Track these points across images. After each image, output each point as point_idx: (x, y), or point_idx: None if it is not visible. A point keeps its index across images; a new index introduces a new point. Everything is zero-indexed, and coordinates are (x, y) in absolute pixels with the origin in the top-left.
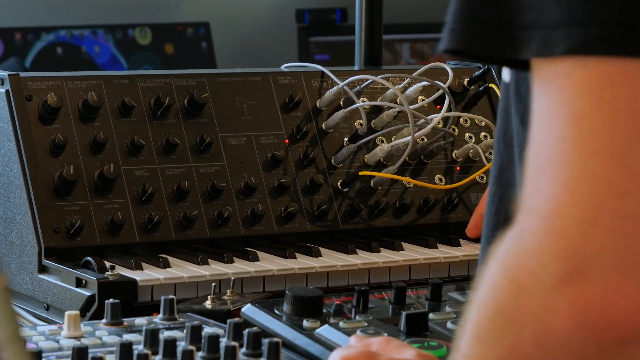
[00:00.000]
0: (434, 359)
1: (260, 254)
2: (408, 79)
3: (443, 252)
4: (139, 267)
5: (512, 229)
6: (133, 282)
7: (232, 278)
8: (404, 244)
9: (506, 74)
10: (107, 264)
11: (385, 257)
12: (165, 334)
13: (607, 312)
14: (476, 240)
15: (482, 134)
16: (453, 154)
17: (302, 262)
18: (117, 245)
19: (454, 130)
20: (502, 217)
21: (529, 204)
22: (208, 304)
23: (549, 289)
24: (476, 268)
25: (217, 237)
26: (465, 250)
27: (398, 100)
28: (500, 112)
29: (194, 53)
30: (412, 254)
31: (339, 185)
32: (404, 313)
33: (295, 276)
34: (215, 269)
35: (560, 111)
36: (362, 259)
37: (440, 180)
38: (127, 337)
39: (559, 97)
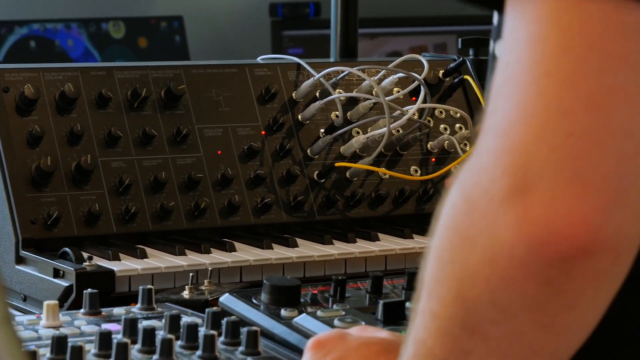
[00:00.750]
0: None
1: (237, 244)
2: (384, 71)
3: (419, 243)
4: (117, 258)
5: (473, 151)
6: (111, 273)
7: (210, 268)
8: (380, 235)
9: (492, 45)
10: (85, 255)
11: (361, 247)
12: (143, 324)
13: (551, 226)
14: None
15: (457, 125)
16: (428, 146)
17: (278, 253)
18: (94, 236)
19: (429, 121)
20: None
21: (487, 123)
22: (186, 294)
23: (498, 204)
24: None
25: (194, 228)
26: None
27: (374, 92)
28: (488, 84)
29: (167, 47)
30: (388, 244)
31: (315, 176)
32: (381, 302)
33: (272, 266)
34: (192, 259)
35: (520, 34)
36: (338, 249)
37: (416, 171)
38: (106, 326)
39: (520, 21)
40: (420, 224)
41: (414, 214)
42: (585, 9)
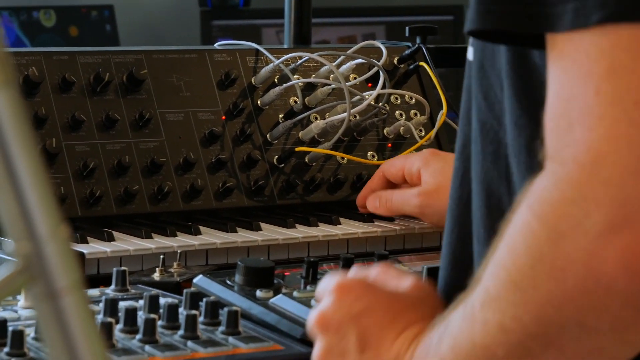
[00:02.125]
0: (429, 288)
1: (201, 228)
2: (342, 57)
3: (380, 227)
4: (85, 241)
5: (542, 178)
6: (80, 255)
7: (178, 251)
8: (341, 219)
9: (470, 53)
10: None
11: (324, 231)
12: (122, 304)
13: None
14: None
15: (412, 111)
16: (384, 131)
17: (243, 236)
18: None
19: (385, 107)
20: (465, 190)
21: (563, 155)
22: (156, 276)
23: (594, 237)
24: (412, 242)
25: (157, 211)
26: (401, 225)
27: (331, 78)
28: (465, 90)
29: (98, 35)
30: (349, 228)
31: (275, 161)
32: None
33: (237, 249)
34: (159, 242)
35: (595, 66)
36: (302, 232)
37: (373, 156)
38: None
39: (592, 54)
40: None
41: None
42: None
